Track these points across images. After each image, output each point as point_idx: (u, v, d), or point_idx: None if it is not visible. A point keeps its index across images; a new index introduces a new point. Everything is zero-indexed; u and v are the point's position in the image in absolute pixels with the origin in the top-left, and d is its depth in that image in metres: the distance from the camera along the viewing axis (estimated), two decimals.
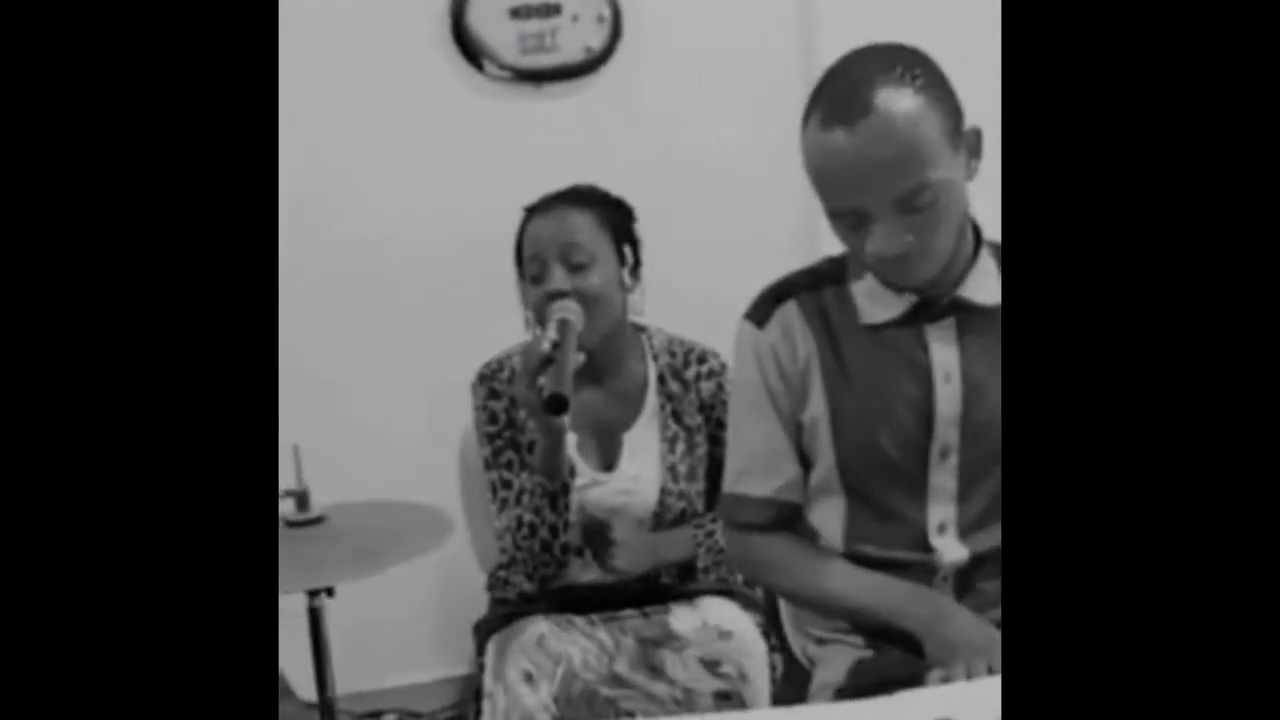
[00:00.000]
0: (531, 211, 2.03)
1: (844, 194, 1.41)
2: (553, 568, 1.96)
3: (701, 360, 2.07)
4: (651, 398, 2.06)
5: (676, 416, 2.05)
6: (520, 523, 1.92)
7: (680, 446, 2.03)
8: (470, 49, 2.79)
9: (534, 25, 2.77)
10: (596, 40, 2.81)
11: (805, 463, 1.61)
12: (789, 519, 1.64)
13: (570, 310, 1.88)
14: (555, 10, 2.77)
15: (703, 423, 2.05)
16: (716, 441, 2.02)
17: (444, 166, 2.83)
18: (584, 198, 2.02)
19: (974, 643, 1.42)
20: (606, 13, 2.80)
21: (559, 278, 1.93)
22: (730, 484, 1.66)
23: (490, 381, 2.02)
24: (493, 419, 2.01)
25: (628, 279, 2.03)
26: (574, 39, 2.80)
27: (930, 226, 1.42)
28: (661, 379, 2.06)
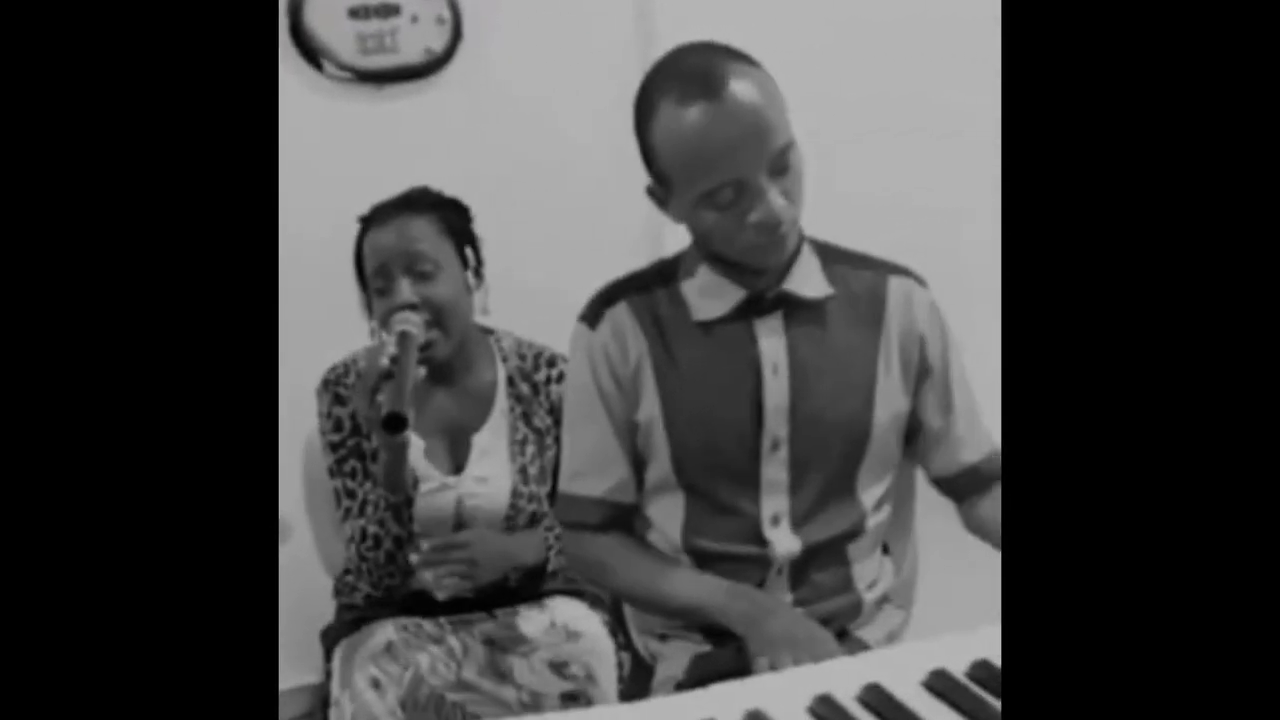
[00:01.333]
0: (368, 221, 2.00)
1: (720, 167, 1.43)
2: (398, 578, 1.94)
3: (551, 364, 2.07)
4: (501, 400, 2.06)
5: (526, 419, 2.05)
6: (364, 534, 1.90)
7: (530, 449, 2.03)
8: (309, 49, 2.75)
9: (373, 25, 2.75)
10: (437, 41, 2.80)
11: (641, 461, 1.64)
12: (621, 518, 1.66)
13: (410, 322, 1.85)
14: (394, 11, 2.75)
15: (552, 425, 2.05)
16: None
17: (285, 168, 2.77)
18: (421, 203, 2.00)
19: (795, 638, 1.46)
20: (446, 14, 2.79)
21: (405, 289, 1.90)
22: (564, 484, 1.69)
23: (335, 387, 1.99)
24: (337, 426, 1.98)
25: (472, 281, 2.02)
26: (414, 40, 2.78)
27: (795, 190, 1.47)
28: (511, 381, 2.06)
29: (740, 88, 1.41)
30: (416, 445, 1.96)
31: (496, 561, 1.97)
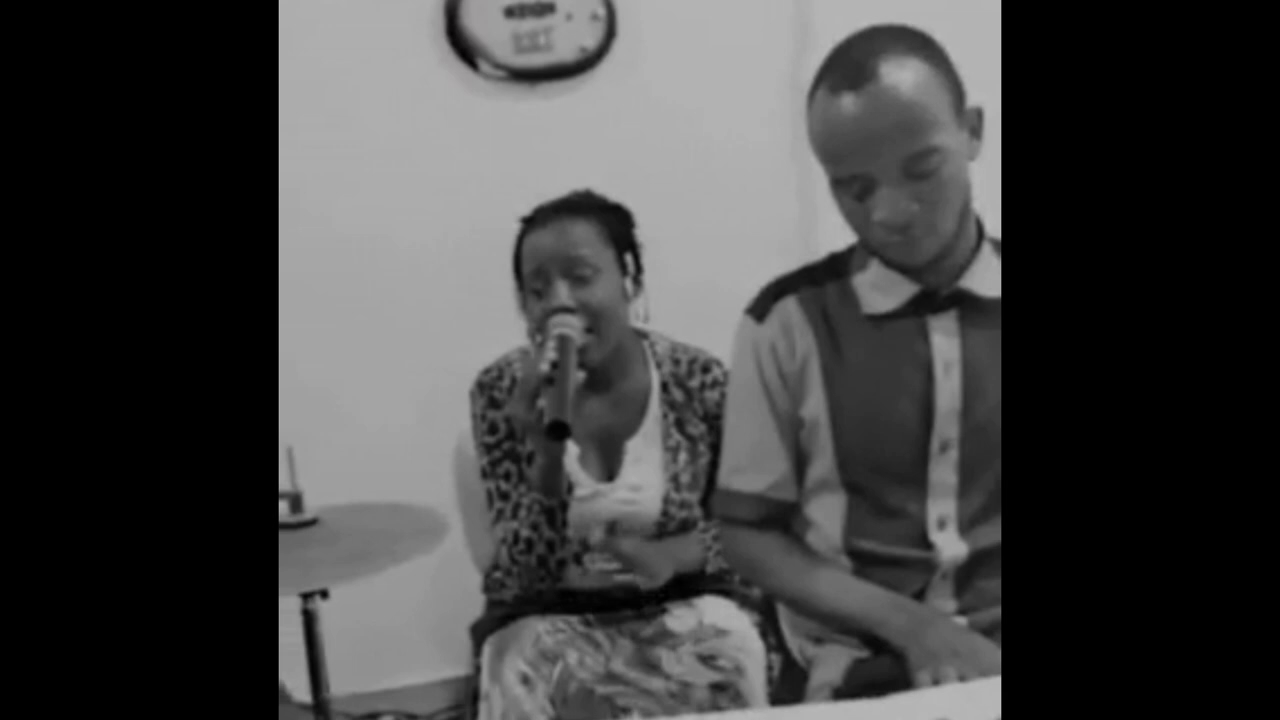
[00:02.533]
0: (529, 222, 1.98)
1: (851, 159, 1.41)
2: (548, 582, 1.93)
3: (705, 370, 2.05)
4: (654, 406, 2.04)
5: (680, 425, 2.03)
6: (517, 537, 1.90)
7: (683, 456, 2.02)
8: (465, 48, 2.78)
9: (528, 24, 2.77)
10: (591, 39, 2.81)
11: (804, 459, 1.61)
12: (781, 516, 1.64)
13: (570, 326, 1.84)
14: (549, 9, 2.77)
15: (706, 432, 2.03)
16: (719, 451, 2.00)
17: (440, 167, 2.82)
18: (583, 207, 1.98)
19: (957, 650, 1.42)
20: (601, 11, 2.80)
21: (563, 293, 1.89)
22: (724, 479, 1.67)
23: (489, 390, 1.99)
24: (492, 429, 1.98)
25: (630, 287, 2.01)
26: (568, 38, 2.79)
27: (935, 196, 1.43)
28: (665, 387, 2.04)
29: (890, 81, 1.38)
30: (570, 451, 1.95)
31: (664, 562, 1.97)
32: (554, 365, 1.76)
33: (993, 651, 1.43)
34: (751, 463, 1.63)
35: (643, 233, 2.06)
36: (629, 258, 2.01)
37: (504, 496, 1.97)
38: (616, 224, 2.00)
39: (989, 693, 1.19)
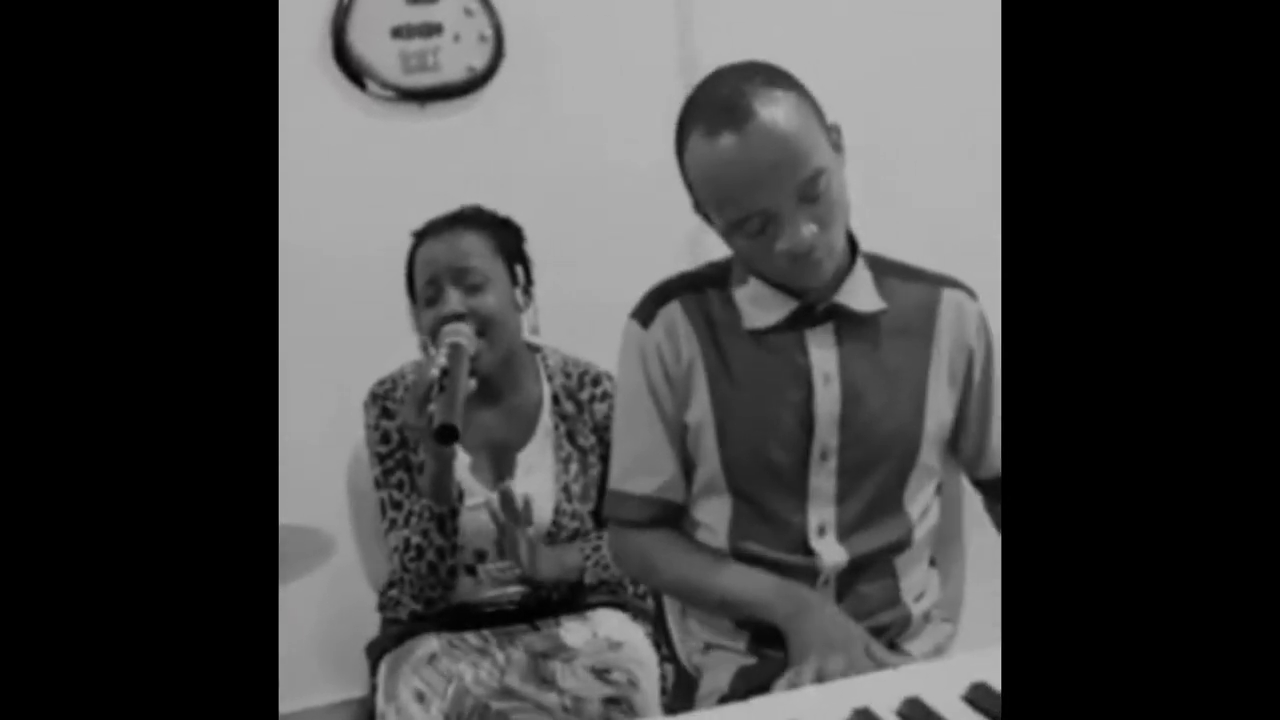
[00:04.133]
0: (421, 235, 2.02)
1: (746, 198, 1.44)
2: (439, 590, 1.95)
3: (596, 382, 2.08)
4: (546, 418, 2.06)
5: (570, 437, 2.05)
6: (408, 544, 1.91)
7: (574, 466, 2.04)
8: (352, 68, 2.78)
9: (416, 45, 2.77)
10: (479, 59, 2.82)
11: (690, 462, 1.64)
12: (670, 517, 1.66)
13: (462, 334, 1.86)
14: (437, 30, 2.77)
15: (596, 444, 2.06)
16: (608, 463, 2.03)
17: (329, 185, 2.81)
18: (474, 219, 2.02)
19: (832, 639, 1.45)
20: (488, 32, 2.81)
21: (454, 300, 1.92)
22: (615, 481, 1.69)
23: (383, 400, 2.01)
24: (385, 439, 2.00)
25: (521, 299, 2.03)
26: (456, 58, 2.80)
27: (829, 216, 1.46)
28: (556, 399, 2.07)
29: (767, 117, 1.41)
30: (462, 459, 1.97)
31: (551, 560, 1.98)
32: (444, 372, 1.79)
33: (867, 639, 1.48)
34: (640, 465, 1.65)
35: (531, 249, 2.08)
36: (519, 269, 2.04)
37: (396, 506, 1.98)
38: (506, 237, 2.03)
39: (848, 692, 1.23)
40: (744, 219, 1.46)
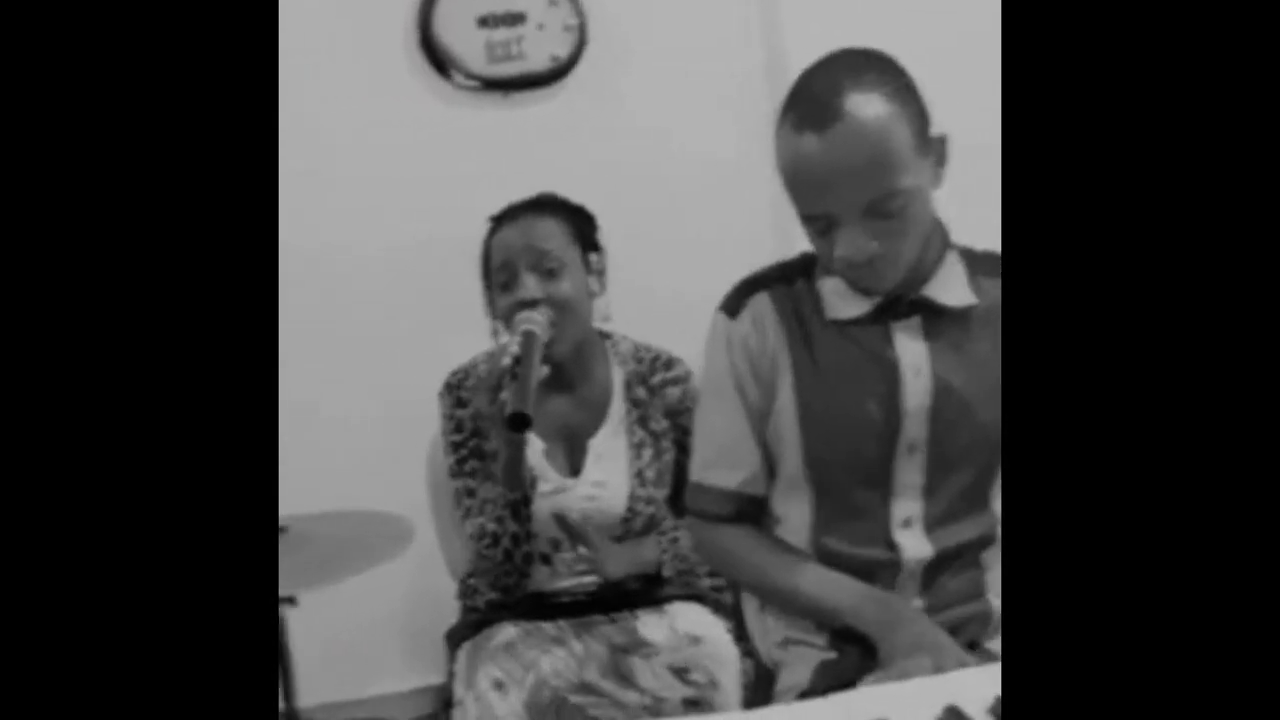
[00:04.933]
0: (498, 221, 2.02)
1: (814, 198, 1.42)
2: (514, 577, 1.95)
3: (667, 367, 2.07)
4: (617, 404, 2.06)
5: (642, 422, 2.05)
6: (483, 532, 1.92)
7: (647, 452, 2.03)
8: (438, 58, 2.79)
9: (501, 34, 2.78)
10: (563, 48, 2.82)
11: (772, 456, 1.62)
12: (753, 511, 1.65)
13: (535, 322, 1.87)
14: (521, 19, 2.78)
15: (669, 428, 2.05)
16: (682, 448, 2.03)
17: (413, 174, 2.83)
18: (550, 206, 2.02)
19: (923, 646, 1.43)
20: (573, 21, 2.81)
21: (530, 285, 1.92)
22: (696, 473, 1.67)
23: (457, 390, 2.02)
24: (458, 428, 2.01)
25: (594, 286, 2.03)
26: (540, 47, 2.80)
27: (898, 233, 1.44)
28: (628, 385, 2.06)
29: (855, 124, 1.38)
30: (535, 446, 1.97)
31: (621, 556, 1.98)
32: (517, 359, 1.79)
33: (956, 650, 1.45)
34: (723, 458, 1.63)
35: (610, 238, 2.08)
36: (593, 257, 2.04)
37: (470, 494, 1.99)
38: (581, 224, 2.04)
39: (936, 689, 1.21)
40: (810, 217, 1.45)
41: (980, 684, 1.18)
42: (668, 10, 2.92)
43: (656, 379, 2.06)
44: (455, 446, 2.01)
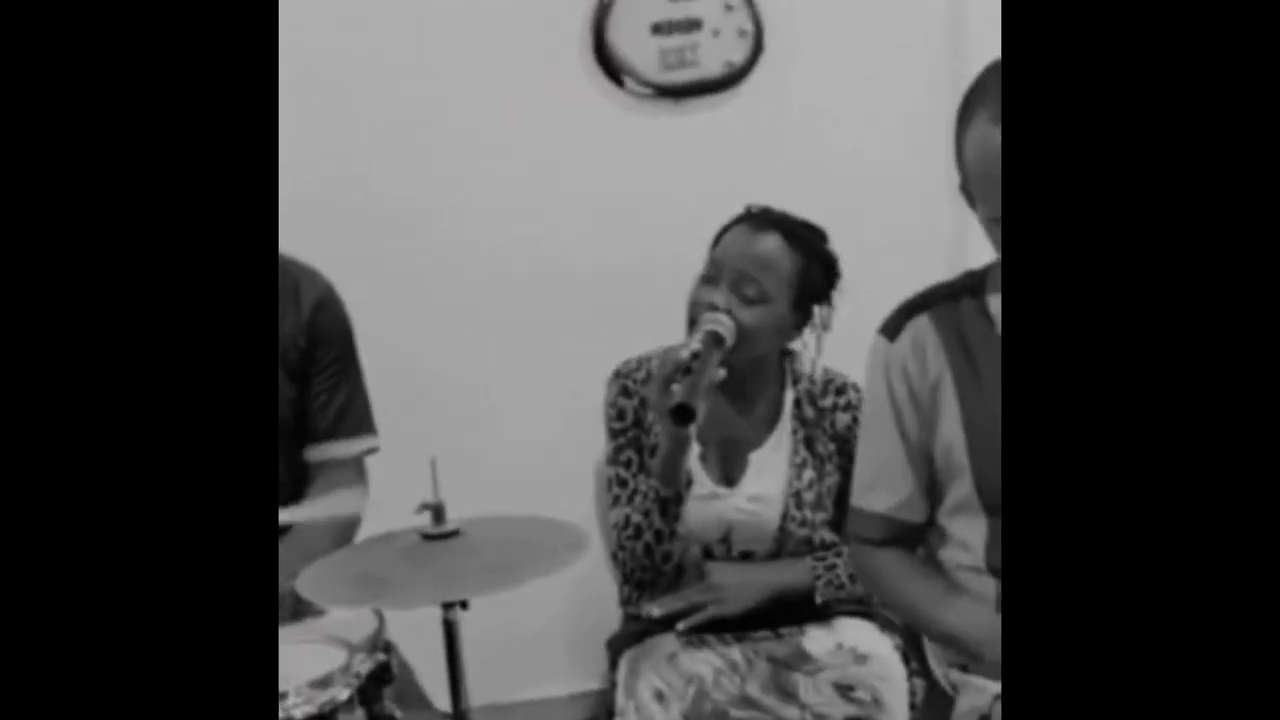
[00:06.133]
0: (745, 218, 2.00)
1: None
2: (651, 573, 1.96)
3: (840, 391, 2.04)
4: (785, 422, 2.04)
5: (808, 443, 2.02)
6: (628, 522, 1.93)
7: (808, 474, 2.01)
8: (611, 65, 2.79)
9: (675, 41, 2.77)
10: (738, 55, 2.79)
11: (942, 481, 1.59)
12: (907, 536, 1.64)
13: (722, 324, 1.87)
14: (696, 25, 2.76)
15: (835, 453, 2.03)
16: (846, 474, 1.98)
17: (586, 181, 2.84)
18: (796, 237, 1.98)
19: None
20: (748, 27, 2.78)
21: (722, 295, 1.92)
22: (855, 497, 1.68)
23: (624, 379, 2.03)
24: (620, 415, 2.02)
25: (807, 338, 2.01)
26: (715, 54, 2.78)
27: None
28: (797, 404, 2.04)
29: None
30: (693, 449, 1.96)
31: (746, 591, 1.97)
32: (695, 355, 1.80)
33: None
34: (879, 481, 1.63)
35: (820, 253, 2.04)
36: (816, 308, 2.00)
37: (622, 483, 2.00)
38: (820, 273, 2.00)
39: None
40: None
41: None
42: (845, 17, 2.87)
43: (827, 401, 2.04)
44: (614, 434, 2.03)
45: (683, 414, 1.73)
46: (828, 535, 2.02)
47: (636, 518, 1.92)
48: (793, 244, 1.96)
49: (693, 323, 1.93)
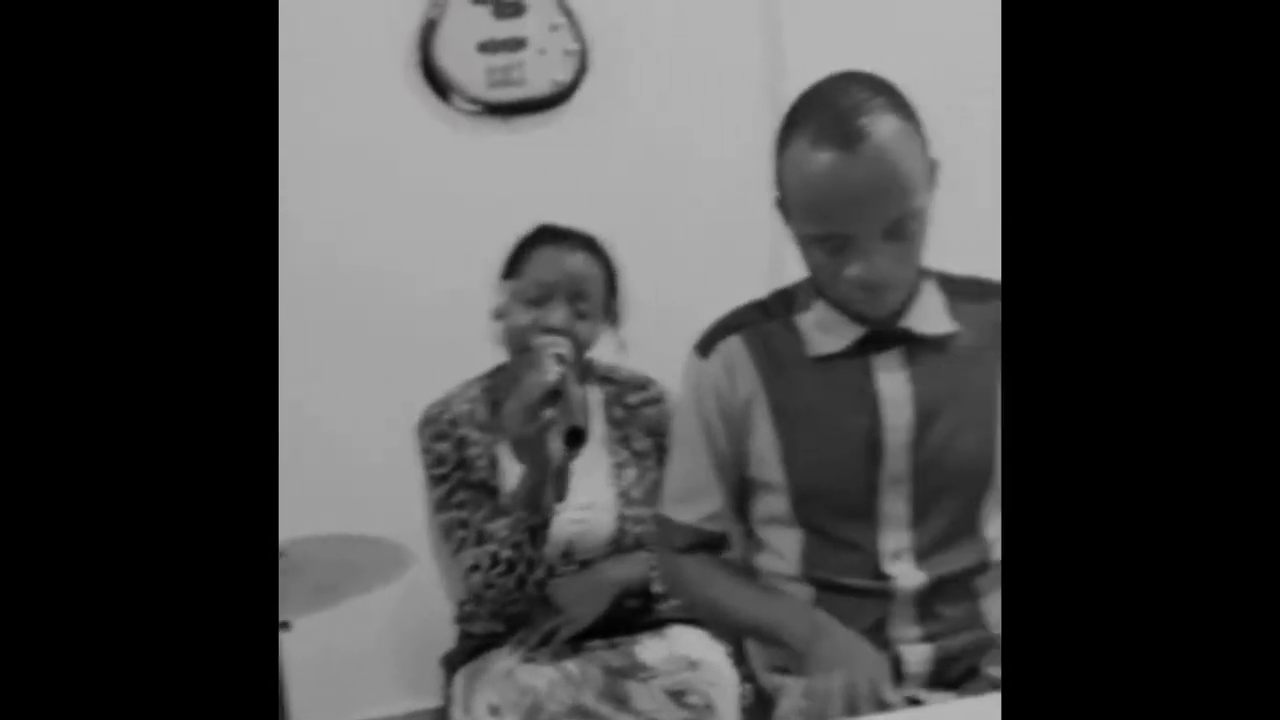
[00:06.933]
0: (548, 235, 2.03)
1: (832, 218, 1.42)
2: (525, 604, 1.95)
3: (643, 387, 2.11)
4: (598, 427, 2.07)
5: (624, 442, 2.07)
6: (495, 560, 1.91)
7: (631, 471, 2.05)
8: (438, 82, 2.79)
9: (501, 59, 2.78)
10: (564, 73, 2.82)
11: (754, 493, 1.63)
12: (708, 545, 1.67)
13: (563, 346, 1.89)
14: (522, 44, 2.78)
15: (652, 447, 2.07)
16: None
17: (413, 199, 2.83)
18: (596, 249, 2.04)
19: (846, 659, 1.43)
20: (574, 46, 2.81)
21: (561, 315, 1.95)
22: (663, 506, 1.71)
23: (435, 425, 2.02)
24: (440, 461, 2.01)
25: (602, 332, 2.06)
26: (542, 72, 2.81)
27: (908, 255, 1.45)
28: (605, 406, 2.09)
29: (880, 144, 1.37)
30: (514, 473, 1.97)
31: (591, 599, 1.99)
32: (560, 378, 1.82)
33: (880, 664, 1.45)
34: (688, 494, 1.66)
35: (616, 262, 2.08)
36: (614, 308, 2.07)
37: (463, 525, 1.98)
38: (615, 282, 2.07)
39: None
40: (824, 236, 1.44)
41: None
42: (669, 36, 2.92)
43: (633, 399, 2.09)
44: (438, 480, 2.01)
45: (576, 437, 1.76)
46: None
47: (507, 553, 1.90)
48: (594, 255, 2.02)
49: (521, 348, 1.94)
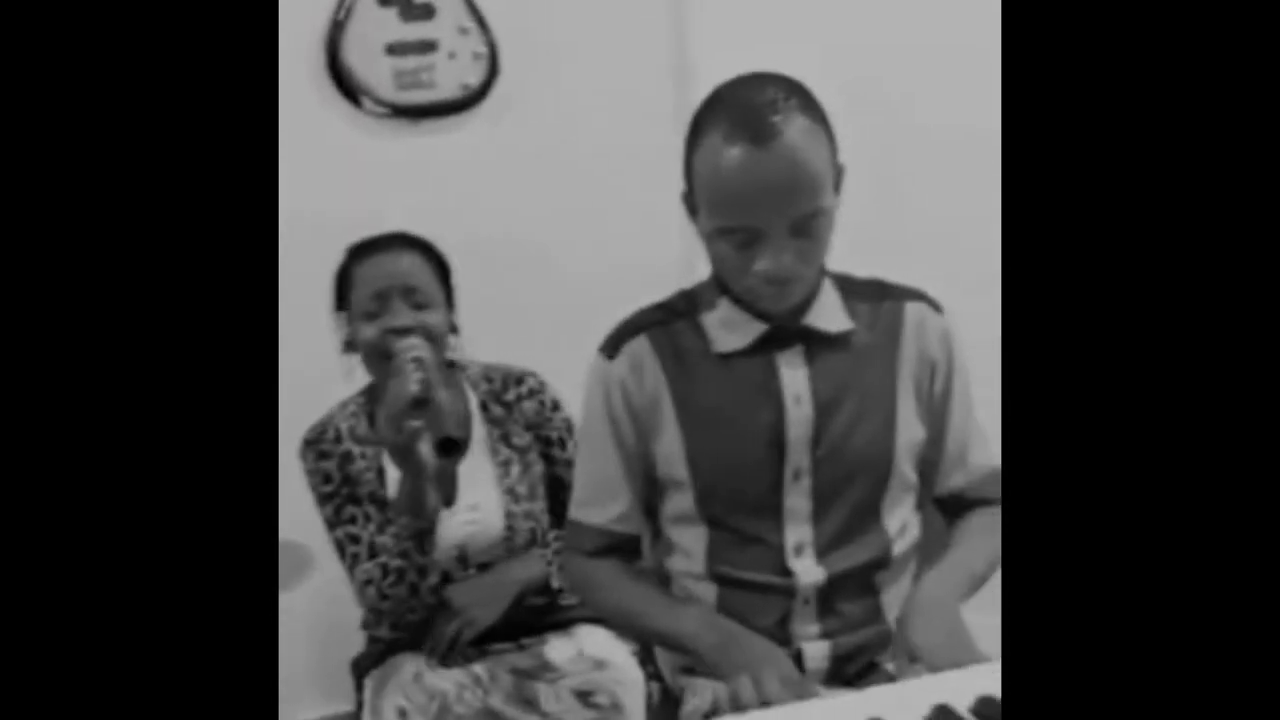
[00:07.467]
0: (360, 252, 2.02)
1: (742, 211, 1.44)
2: (419, 611, 1.95)
3: (519, 382, 2.11)
4: (477, 427, 2.07)
5: (505, 439, 2.07)
6: (386, 570, 1.90)
7: (515, 468, 2.05)
8: (347, 85, 2.78)
9: (410, 62, 2.78)
10: (474, 76, 2.83)
11: (661, 492, 1.65)
12: (619, 547, 1.68)
13: (419, 348, 1.86)
14: (432, 47, 2.78)
15: (532, 441, 2.08)
16: (550, 460, 2.08)
17: (322, 201, 2.81)
18: (414, 241, 2.03)
19: (759, 663, 1.43)
20: (483, 50, 2.82)
21: (404, 314, 1.94)
22: (572, 510, 1.71)
23: (317, 445, 2.02)
24: (326, 479, 2.00)
25: (454, 322, 2.06)
26: (451, 75, 2.81)
27: (813, 252, 1.48)
28: (484, 406, 2.09)
29: (791, 143, 1.41)
30: (396, 479, 1.95)
31: (490, 601, 1.99)
32: (423, 384, 1.79)
33: (788, 663, 1.47)
34: (596, 496, 1.67)
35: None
36: (451, 295, 2.06)
37: (355, 540, 1.97)
38: (441, 262, 2.05)
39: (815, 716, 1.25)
40: (733, 229, 1.46)
41: (855, 710, 1.22)
42: (579, 36, 2.94)
43: (511, 394, 2.10)
44: (326, 498, 2.00)
45: (450, 445, 1.75)
46: (547, 522, 2.07)
47: (396, 562, 1.89)
48: (415, 248, 2.01)
49: (384, 358, 1.92)
